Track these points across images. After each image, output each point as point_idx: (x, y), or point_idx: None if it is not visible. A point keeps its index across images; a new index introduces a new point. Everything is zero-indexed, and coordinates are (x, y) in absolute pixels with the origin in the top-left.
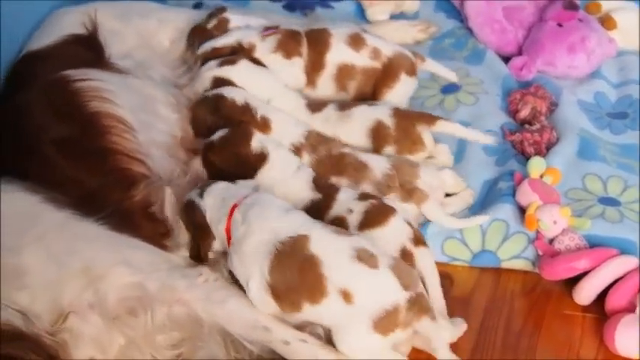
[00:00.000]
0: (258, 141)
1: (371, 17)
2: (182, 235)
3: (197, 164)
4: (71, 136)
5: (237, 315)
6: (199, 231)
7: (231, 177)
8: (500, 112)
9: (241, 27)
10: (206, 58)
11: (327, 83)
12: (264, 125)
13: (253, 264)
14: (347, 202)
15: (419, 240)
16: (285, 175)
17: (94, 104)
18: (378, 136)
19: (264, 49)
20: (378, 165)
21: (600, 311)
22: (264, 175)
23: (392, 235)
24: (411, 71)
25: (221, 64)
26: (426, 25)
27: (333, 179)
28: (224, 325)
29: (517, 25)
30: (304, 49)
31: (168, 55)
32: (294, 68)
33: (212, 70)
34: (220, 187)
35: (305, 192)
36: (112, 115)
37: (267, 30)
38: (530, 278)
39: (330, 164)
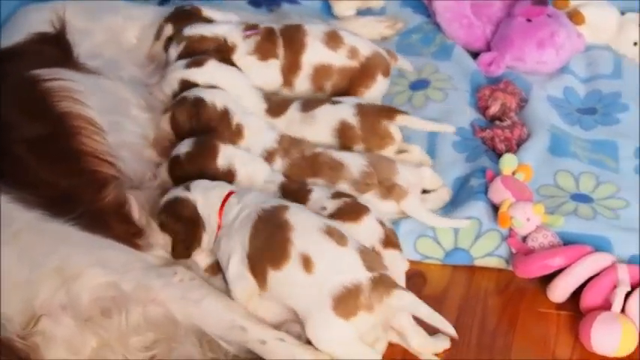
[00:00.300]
0: (224, 157)
1: (338, 13)
2: (154, 235)
3: (164, 172)
4: (41, 136)
5: (214, 315)
6: (189, 224)
7: None
8: (469, 108)
9: (228, 22)
10: (187, 49)
11: (303, 83)
12: (238, 133)
13: (238, 236)
14: (320, 200)
15: (390, 242)
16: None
17: (65, 105)
18: (345, 136)
19: (242, 50)
20: (355, 163)
21: (575, 309)
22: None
23: (363, 233)
24: (387, 72)
25: (188, 66)
26: (393, 21)
27: (310, 181)
28: (200, 325)
29: (485, 20)
30: (280, 49)
31: (136, 53)
32: (270, 70)
33: (179, 72)
34: (207, 181)
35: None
36: (82, 117)
37: (250, 30)
38: (504, 276)
39: (304, 166)
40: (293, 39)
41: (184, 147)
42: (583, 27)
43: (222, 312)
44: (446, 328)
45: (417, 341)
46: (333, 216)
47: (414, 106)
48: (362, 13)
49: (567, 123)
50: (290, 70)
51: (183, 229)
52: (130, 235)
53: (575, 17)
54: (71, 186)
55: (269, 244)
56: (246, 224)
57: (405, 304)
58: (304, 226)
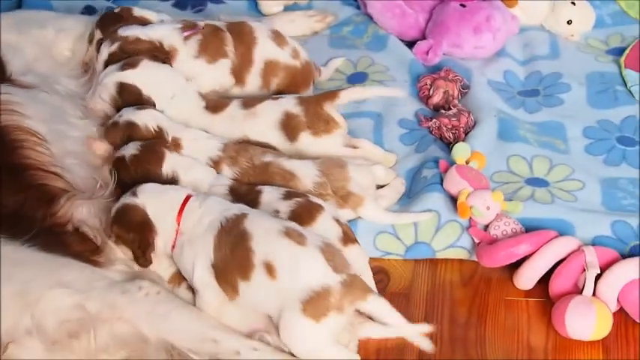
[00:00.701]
0: (169, 166)
1: (265, 10)
2: (113, 250)
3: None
4: None
5: (183, 328)
6: (141, 230)
7: None
8: (410, 98)
9: (164, 21)
10: (121, 50)
11: (254, 80)
12: (175, 145)
13: (201, 244)
14: (272, 202)
15: (349, 238)
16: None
17: (2, 118)
18: (290, 126)
19: (186, 54)
20: (307, 172)
21: (543, 295)
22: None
23: (321, 233)
24: (313, 82)
25: (122, 68)
26: (323, 15)
27: None
28: (170, 339)
29: (418, 8)
30: (230, 47)
31: (71, 65)
32: (220, 71)
33: (114, 75)
34: (155, 185)
35: (221, 206)
36: (22, 128)
37: (188, 30)
38: (467, 267)
39: (254, 175)
40: (243, 33)
41: (131, 149)
42: (516, 9)
43: (192, 324)
44: (420, 340)
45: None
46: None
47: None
48: (289, 8)
49: (511, 107)
50: (243, 65)
51: (137, 236)
52: (89, 252)
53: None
54: (20, 203)
55: (234, 255)
56: (209, 233)
57: (379, 311)
58: (262, 232)
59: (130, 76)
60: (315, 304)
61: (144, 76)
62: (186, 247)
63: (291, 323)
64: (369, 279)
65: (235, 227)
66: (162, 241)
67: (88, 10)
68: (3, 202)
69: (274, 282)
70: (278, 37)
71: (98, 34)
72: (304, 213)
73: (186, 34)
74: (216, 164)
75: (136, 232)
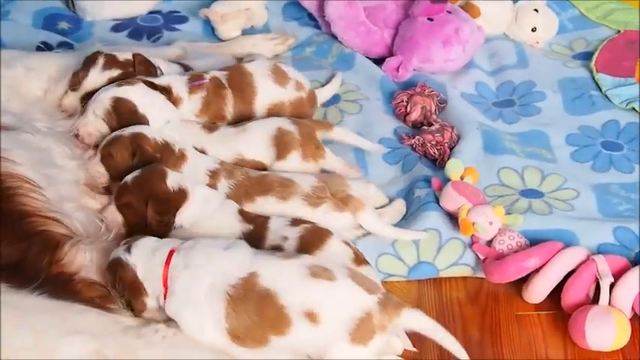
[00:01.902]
0: (173, 180)
1: (223, 35)
2: None
3: (111, 213)
4: None
5: None
6: (130, 290)
7: (148, 216)
8: (387, 116)
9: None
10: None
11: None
12: (182, 157)
13: (205, 312)
14: (280, 229)
15: (360, 259)
16: (208, 210)
17: None
18: (283, 142)
19: (189, 110)
20: (304, 179)
21: (552, 307)
22: (187, 212)
23: (332, 257)
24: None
25: (120, 85)
26: (284, 37)
27: (259, 199)
28: None
29: (382, 25)
30: (229, 106)
31: (43, 103)
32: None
33: (111, 91)
34: (149, 240)
35: (234, 225)
36: (14, 175)
37: (196, 80)
38: (472, 284)
39: (251, 185)
40: (243, 86)
41: (131, 175)
42: (479, 19)
43: None
44: (455, 347)
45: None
46: (300, 250)
47: (330, 122)
48: (246, 31)
49: (489, 119)
50: (244, 117)
51: (126, 293)
52: (99, 298)
53: (471, 10)
54: (23, 252)
55: (264, 318)
56: (216, 302)
57: (416, 323)
58: (286, 283)
59: (127, 93)
60: (361, 330)
61: (141, 95)
62: (186, 310)
63: (342, 354)
64: None
65: (251, 291)
66: (152, 300)
67: (46, 46)
68: (5, 251)
69: (318, 326)
70: (279, 75)
71: (93, 78)
72: (313, 238)
73: (194, 84)
74: (214, 175)
75: (126, 291)
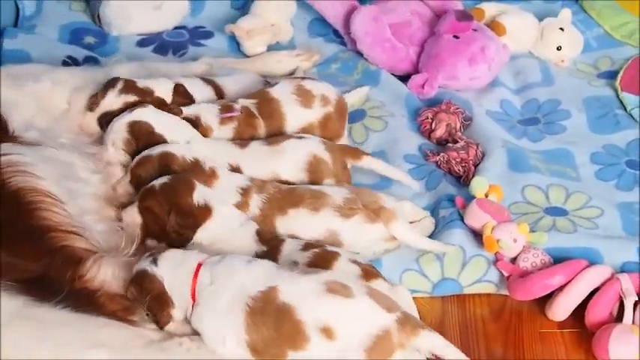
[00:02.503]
0: (200, 195)
1: (248, 51)
2: None
3: (131, 214)
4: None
5: None
6: (157, 301)
7: (168, 225)
8: (412, 133)
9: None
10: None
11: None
12: (212, 174)
13: (227, 323)
14: (292, 253)
15: (370, 274)
16: (229, 230)
17: (15, 180)
18: (317, 170)
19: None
20: (336, 191)
21: (575, 325)
22: (208, 230)
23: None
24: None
25: (131, 110)
26: (309, 54)
27: (291, 211)
28: None
29: (407, 42)
30: (261, 133)
31: (69, 120)
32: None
33: (123, 118)
34: (175, 252)
35: (250, 245)
36: (36, 190)
37: (228, 112)
38: (496, 301)
39: (282, 198)
40: (272, 114)
41: (161, 179)
42: (504, 37)
43: None
44: None
45: None
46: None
47: (354, 139)
48: (271, 47)
49: (514, 136)
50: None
51: (153, 307)
52: (122, 311)
53: (497, 28)
54: (45, 267)
55: (281, 333)
56: (236, 313)
57: (433, 344)
58: (304, 298)
59: (141, 115)
60: (379, 348)
61: (155, 115)
62: (208, 318)
63: None
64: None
65: (269, 305)
66: (179, 312)
67: (72, 60)
68: (28, 267)
69: (334, 342)
70: (304, 96)
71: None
72: (321, 262)
73: (225, 115)
74: (245, 192)
75: (153, 303)
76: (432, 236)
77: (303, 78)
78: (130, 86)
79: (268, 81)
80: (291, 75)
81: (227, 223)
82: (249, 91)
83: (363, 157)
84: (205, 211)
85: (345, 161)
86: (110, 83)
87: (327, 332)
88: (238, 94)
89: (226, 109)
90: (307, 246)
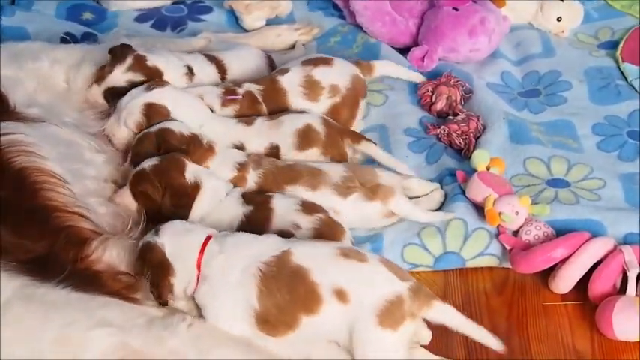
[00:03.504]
0: (191, 172)
1: (248, 26)
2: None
3: (124, 197)
4: (3, 198)
5: (233, 357)
6: (158, 270)
7: (163, 206)
8: (413, 106)
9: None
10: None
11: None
12: (210, 149)
13: (237, 296)
14: (288, 212)
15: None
16: (216, 202)
17: (20, 160)
18: (306, 138)
19: None
20: (333, 169)
21: (579, 297)
22: (198, 205)
23: None
24: (364, 92)
25: (150, 88)
26: (308, 27)
27: (288, 188)
28: None
29: (407, 14)
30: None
31: (70, 97)
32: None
33: (141, 97)
34: (179, 223)
35: (236, 209)
36: (41, 170)
37: (230, 94)
38: (498, 274)
39: (279, 173)
40: (277, 103)
41: (150, 161)
42: (504, 9)
43: (241, 354)
44: (489, 339)
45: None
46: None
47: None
48: (270, 21)
49: (515, 108)
50: None
51: (153, 273)
52: (125, 289)
53: (496, 0)
54: (48, 247)
55: (295, 295)
56: (248, 283)
57: (447, 316)
58: (319, 262)
59: (159, 97)
60: (390, 313)
61: (174, 98)
62: (217, 295)
63: (369, 338)
64: None
65: (283, 268)
66: (180, 283)
67: (70, 36)
68: (31, 247)
69: (347, 305)
70: (312, 89)
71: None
72: (329, 232)
73: (228, 97)
74: (242, 167)
75: (153, 272)
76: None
77: (317, 63)
78: (139, 64)
79: (269, 55)
80: (291, 49)
81: (214, 195)
82: (253, 67)
83: (362, 142)
84: (195, 188)
85: (343, 140)
86: (120, 54)
87: (340, 295)
88: (242, 71)
89: (229, 92)
90: (308, 208)
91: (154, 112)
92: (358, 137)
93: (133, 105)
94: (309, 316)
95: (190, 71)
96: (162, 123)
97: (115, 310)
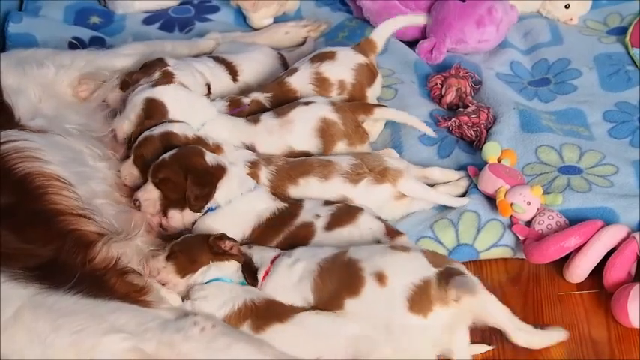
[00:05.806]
0: (211, 158)
1: (255, 24)
2: (160, 289)
3: (127, 167)
4: (9, 204)
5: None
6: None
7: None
8: (423, 99)
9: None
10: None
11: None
12: (217, 149)
13: (295, 292)
14: (313, 209)
15: (393, 232)
16: (244, 190)
17: (24, 166)
18: (328, 134)
19: None
20: (342, 159)
21: (594, 286)
22: (225, 187)
23: (365, 232)
24: (372, 79)
25: (154, 85)
26: (316, 24)
27: (301, 181)
28: None
29: (414, 7)
30: None
31: (76, 105)
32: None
33: (144, 92)
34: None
35: (269, 202)
36: (45, 174)
37: (235, 107)
38: (512, 265)
39: (291, 168)
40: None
41: (169, 152)
42: None
43: (254, 356)
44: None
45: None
46: (331, 224)
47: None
48: (278, 18)
49: (525, 98)
50: None
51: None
52: (135, 292)
53: None
54: (55, 251)
55: (342, 280)
56: (306, 276)
57: (489, 308)
58: (368, 252)
59: (161, 93)
60: (418, 298)
61: (175, 96)
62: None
63: (400, 323)
64: None
65: (337, 261)
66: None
67: (78, 41)
68: (38, 252)
69: (384, 288)
70: (321, 86)
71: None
72: (345, 214)
73: (233, 111)
74: (253, 165)
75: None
76: (443, 205)
77: (322, 59)
78: (166, 80)
79: (282, 54)
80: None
81: (243, 183)
82: (265, 68)
83: (375, 110)
84: (220, 169)
85: (358, 119)
86: (150, 67)
87: (380, 277)
88: (254, 73)
89: (235, 104)
90: (329, 202)
91: (152, 108)
92: (370, 107)
93: (137, 99)
94: (351, 297)
95: (209, 88)
96: (165, 125)
97: (126, 315)
